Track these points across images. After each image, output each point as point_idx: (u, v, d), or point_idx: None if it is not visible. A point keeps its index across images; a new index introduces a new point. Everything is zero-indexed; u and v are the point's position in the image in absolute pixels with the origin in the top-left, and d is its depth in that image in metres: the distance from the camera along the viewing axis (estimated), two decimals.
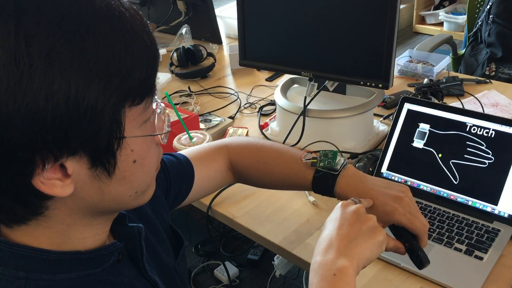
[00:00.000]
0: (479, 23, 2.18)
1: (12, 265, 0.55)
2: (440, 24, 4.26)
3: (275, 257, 1.83)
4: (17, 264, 0.55)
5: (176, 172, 0.89)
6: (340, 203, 0.76)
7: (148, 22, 0.56)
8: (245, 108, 1.65)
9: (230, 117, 1.58)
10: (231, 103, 1.68)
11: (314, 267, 0.68)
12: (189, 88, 1.78)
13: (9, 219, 0.55)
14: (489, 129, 1.09)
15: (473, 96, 1.54)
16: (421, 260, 0.75)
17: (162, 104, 0.62)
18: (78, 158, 0.51)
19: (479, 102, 1.51)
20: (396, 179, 1.17)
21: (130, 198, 0.59)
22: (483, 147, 1.09)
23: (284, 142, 1.34)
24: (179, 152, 0.96)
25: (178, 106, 1.63)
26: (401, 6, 4.33)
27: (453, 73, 1.76)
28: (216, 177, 0.97)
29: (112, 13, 0.51)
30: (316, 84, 1.34)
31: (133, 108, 0.53)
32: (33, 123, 0.47)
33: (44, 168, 0.49)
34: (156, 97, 0.58)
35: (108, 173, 0.54)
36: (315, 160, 0.90)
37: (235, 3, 1.38)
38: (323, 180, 0.89)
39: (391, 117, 1.47)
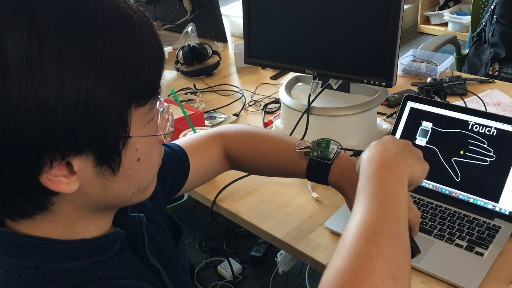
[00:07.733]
0: (483, 23, 2.19)
1: (21, 256, 0.55)
2: (445, 24, 4.26)
3: (278, 254, 1.84)
4: (26, 255, 0.56)
5: (171, 164, 0.90)
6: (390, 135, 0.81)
7: (154, 20, 0.56)
8: (249, 105, 1.67)
9: (234, 115, 1.59)
10: (236, 100, 1.70)
11: (369, 158, 0.73)
12: (194, 85, 1.80)
13: (16, 213, 0.56)
14: (491, 127, 1.10)
15: (476, 95, 1.55)
16: (412, 251, 0.77)
17: (165, 103, 0.63)
18: (85, 156, 0.52)
19: (482, 101, 1.51)
20: None
21: (133, 195, 0.60)
22: (485, 145, 1.10)
23: None
24: (174, 141, 0.96)
25: (183, 103, 1.65)
26: (406, 7, 4.34)
27: (456, 73, 1.76)
28: (212, 166, 0.97)
29: (121, 16, 0.51)
30: (320, 82, 1.35)
31: (139, 109, 0.54)
32: (43, 123, 0.47)
33: (51, 166, 0.50)
34: (159, 96, 0.59)
35: (113, 171, 0.55)
36: (309, 150, 0.91)
37: (240, 1, 1.39)
38: (317, 169, 0.90)
39: (394, 116, 1.48)
